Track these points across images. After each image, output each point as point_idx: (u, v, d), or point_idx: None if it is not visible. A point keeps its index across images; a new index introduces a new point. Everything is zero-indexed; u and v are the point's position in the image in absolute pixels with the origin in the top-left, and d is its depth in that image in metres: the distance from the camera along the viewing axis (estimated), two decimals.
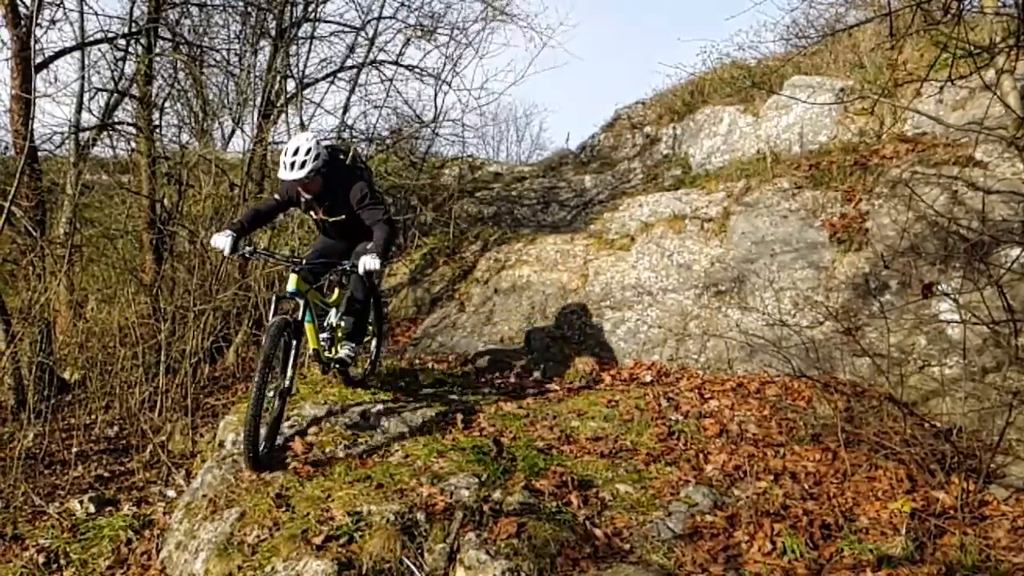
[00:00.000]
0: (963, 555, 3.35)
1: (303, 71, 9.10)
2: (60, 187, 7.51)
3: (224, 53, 9.18)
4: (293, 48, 8.87)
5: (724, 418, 4.98)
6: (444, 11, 14.14)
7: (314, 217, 4.94)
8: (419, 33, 9.62)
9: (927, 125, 6.52)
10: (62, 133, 7.50)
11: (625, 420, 5.06)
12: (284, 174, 4.49)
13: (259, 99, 8.22)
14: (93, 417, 5.77)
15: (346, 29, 9.45)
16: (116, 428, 5.73)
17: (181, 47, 8.42)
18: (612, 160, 10.32)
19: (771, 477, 4.15)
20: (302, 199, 4.75)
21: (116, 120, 8.14)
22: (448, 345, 7.10)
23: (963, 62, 4.55)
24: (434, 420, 4.89)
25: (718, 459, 4.42)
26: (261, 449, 4.14)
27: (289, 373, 4.33)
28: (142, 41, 7.56)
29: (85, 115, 7.51)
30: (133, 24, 7.61)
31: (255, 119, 8.14)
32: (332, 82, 9.59)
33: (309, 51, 9.30)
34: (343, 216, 4.76)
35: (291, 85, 8.92)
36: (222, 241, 4.47)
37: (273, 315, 4.40)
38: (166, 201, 7.48)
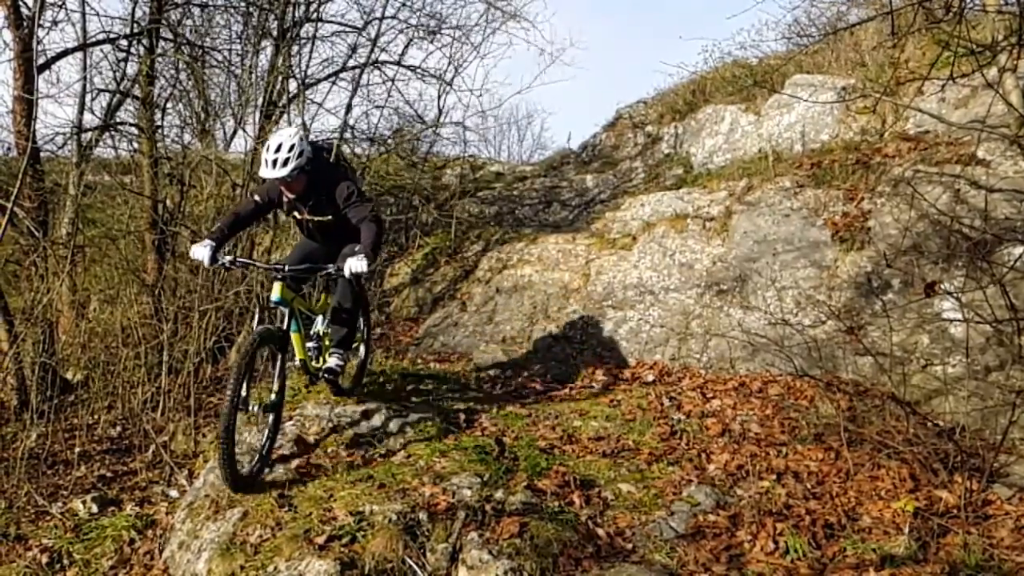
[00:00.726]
0: (966, 554, 3.34)
1: (305, 71, 9.10)
2: (62, 188, 7.52)
3: (226, 53, 9.19)
4: (295, 48, 8.87)
5: (726, 417, 4.98)
6: (447, 12, 14.11)
7: (297, 218, 4.69)
8: (421, 34, 9.61)
9: (929, 123, 6.51)
10: (64, 134, 7.52)
11: (627, 420, 5.06)
12: (266, 172, 4.24)
13: (261, 99, 8.22)
14: (96, 417, 5.78)
15: (348, 29, 9.46)
16: (119, 428, 5.73)
17: (183, 47, 8.42)
18: (614, 159, 10.32)
19: (774, 476, 4.15)
20: (284, 199, 4.51)
21: (118, 121, 8.14)
22: (450, 345, 7.10)
23: (965, 60, 4.54)
24: (436, 420, 4.89)
25: (720, 458, 4.41)
26: (253, 465, 4.05)
27: (275, 387, 4.18)
28: (144, 42, 7.56)
29: (87, 116, 7.50)
30: (135, 25, 7.61)
31: (257, 119, 8.13)
32: (334, 82, 9.58)
33: (311, 51, 9.31)
34: (328, 217, 4.54)
35: (293, 85, 8.93)
36: (201, 252, 4.23)
37: (257, 324, 4.29)
38: (168, 202, 7.48)
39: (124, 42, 7.84)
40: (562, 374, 6.12)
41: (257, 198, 4.59)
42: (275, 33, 8.56)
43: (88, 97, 7.48)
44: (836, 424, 4.31)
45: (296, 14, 8.78)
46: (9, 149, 7.94)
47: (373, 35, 9.21)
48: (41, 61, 6.74)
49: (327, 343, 4.79)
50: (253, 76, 8.48)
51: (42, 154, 7.08)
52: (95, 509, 4.51)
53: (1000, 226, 5.22)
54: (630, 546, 3.63)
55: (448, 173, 11.07)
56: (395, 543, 3.47)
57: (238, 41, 9.15)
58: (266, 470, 4.17)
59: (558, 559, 3.43)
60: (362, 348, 5.30)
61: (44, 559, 4.03)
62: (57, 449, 5.35)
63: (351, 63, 9.49)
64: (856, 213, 6.03)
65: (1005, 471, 4.04)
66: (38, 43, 6.49)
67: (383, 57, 9.48)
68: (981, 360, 4.84)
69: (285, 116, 8.77)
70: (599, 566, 3.41)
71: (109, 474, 5.09)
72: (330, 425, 4.67)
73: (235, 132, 10.74)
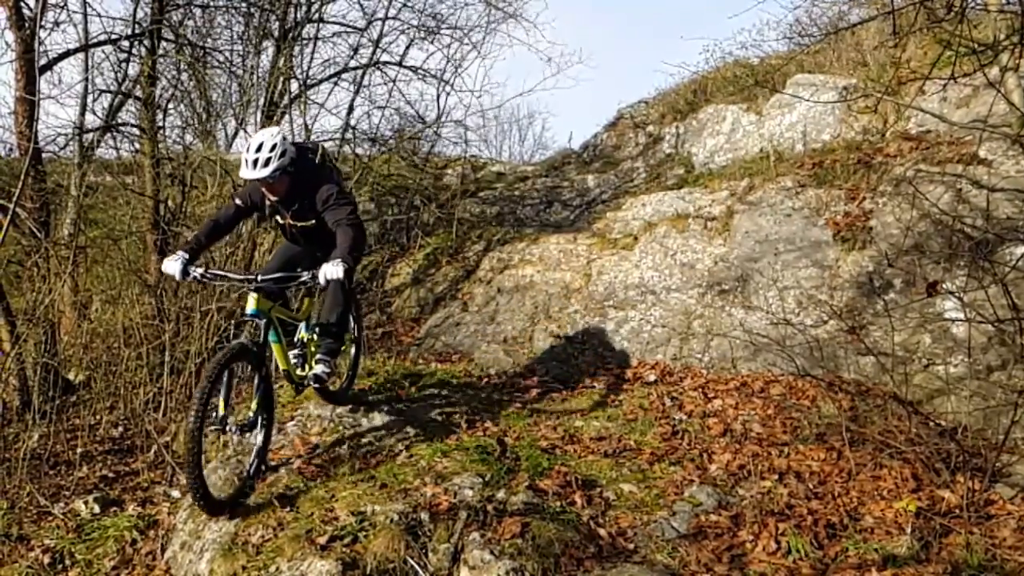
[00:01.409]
0: (969, 554, 3.34)
1: (307, 72, 9.12)
2: (64, 188, 7.53)
3: (227, 54, 9.22)
4: (296, 49, 8.89)
5: (728, 417, 4.98)
6: (448, 12, 14.09)
7: (280, 222, 4.47)
8: (422, 34, 9.62)
9: (931, 123, 6.50)
10: (66, 135, 7.52)
11: (629, 420, 5.06)
12: (246, 172, 4.00)
13: (262, 100, 8.24)
14: (98, 418, 5.78)
15: (350, 30, 9.47)
16: (120, 429, 5.74)
17: (184, 48, 8.42)
18: (615, 159, 10.31)
19: (775, 476, 4.14)
20: (266, 202, 4.26)
21: (120, 121, 8.15)
22: (451, 345, 7.10)
23: (967, 60, 4.53)
24: (438, 420, 4.89)
25: (722, 458, 4.41)
26: (236, 488, 3.91)
27: (253, 405, 3.99)
28: (145, 42, 7.57)
29: (89, 116, 7.53)
30: (136, 26, 7.61)
31: (258, 120, 8.15)
32: (336, 83, 9.60)
33: (313, 52, 9.33)
34: (312, 222, 4.29)
35: (294, 86, 8.95)
36: (171, 267, 4.02)
37: (233, 338, 4.03)
38: (170, 202, 7.49)
39: (126, 43, 7.85)
40: (563, 374, 6.12)
41: (238, 201, 4.36)
42: (276, 34, 8.58)
43: (90, 98, 7.51)
44: (838, 424, 4.31)
45: (297, 15, 8.80)
46: (11, 150, 7.98)
47: (375, 36, 9.23)
48: (43, 62, 6.75)
49: (313, 349, 4.57)
50: (254, 77, 8.50)
51: (44, 155, 7.08)
52: (97, 509, 4.51)
53: (1002, 225, 5.22)
54: (632, 546, 3.63)
55: (449, 173, 11.07)
56: (397, 543, 3.47)
57: (239, 42, 9.18)
58: (250, 494, 3.96)
59: (560, 559, 3.43)
60: (353, 349, 5.11)
61: (46, 559, 4.03)
62: (59, 449, 5.35)
63: (352, 64, 9.51)
64: (858, 213, 6.03)
65: (1007, 471, 4.04)
66: (40, 44, 6.49)
67: (384, 58, 9.51)
68: (983, 360, 4.83)
69: (287, 116, 8.79)
70: (601, 566, 3.41)
71: (111, 474, 5.10)
72: (332, 425, 4.67)
73: (236, 133, 10.77)
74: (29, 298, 6.20)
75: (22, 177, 5.85)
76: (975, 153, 5.73)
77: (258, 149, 3.97)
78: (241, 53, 9.19)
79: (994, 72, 4.84)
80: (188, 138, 8.83)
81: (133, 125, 8.07)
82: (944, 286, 4.96)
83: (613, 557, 3.52)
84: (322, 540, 3.52)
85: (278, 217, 4.40)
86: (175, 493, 4.73)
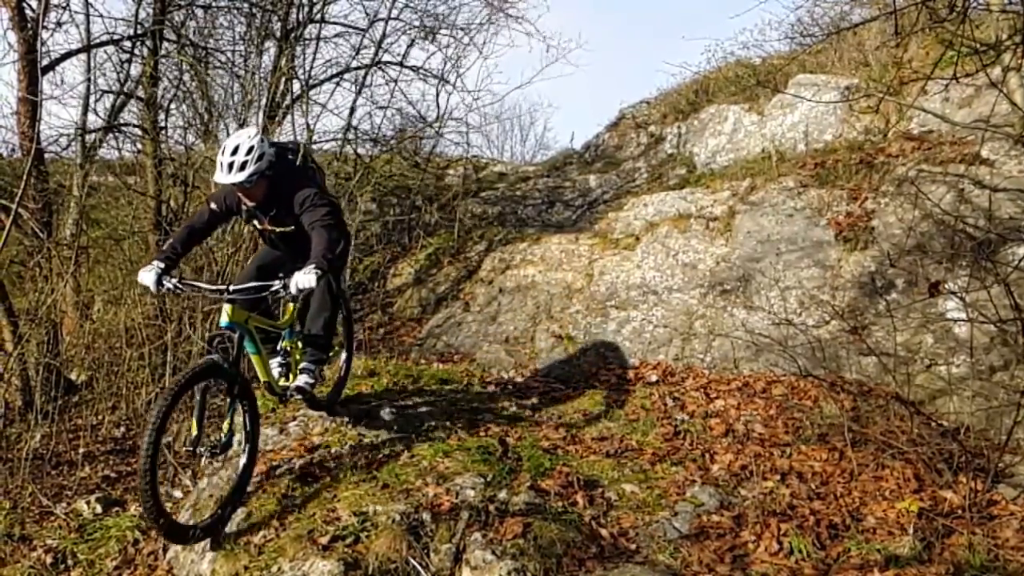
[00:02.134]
0: (971, 555, 3.34)
1: (308, 72, 9.12)
2: (66, 189, 7.54)
3: (229, 54, 9.19)
4: (298, 49, 8.89)
5: (730, 418, 4.97)
6: (448, 13, 14.10)
7: (258, 228, 4.17)
8: (423, 34, 9.62)
9: (933, 123, 6.49)
10: (68, 135, 7.54)
11: (631, 420, 5.06)
12: (221, 176, 3.75)
13: (264, 100, 8.24)
14: (100, 418, 5.80)
15: (352, 30, 9.47)
16: (123, 429, 5.75)
17: (186, 48, 8.44)
18: (616, 159, 10.31)
19: (777, 477, 4.14)
20: (243, 207, 3.99)
21: (122, 122, 8.16)
22: (453, 345, 7.10)
23: (969, 59, 4.52)
24: (439, 420, 4.89)
25: (724, 459, 4.41)
26: (224, 510, 3.68)
27: (225, 426, 3.72)
28: (147, 43, 7.58)
29: (91, 117, 7.54)
30: (139, 26, 7.62)
31: (260, 120, 8.15)
32: (338, 83, 9.60)
33: (315, 52, 9.32)
34: (291, 228, 4.01)
35: (296, 86, 8.95)
36: (146, 278, 3.77)
37: (207, 353, 3.68)
38: (172, 202, 7.50)
39: (128, 43, 7.86)
40: (565, 374, 6.12)
41: (214, 205, 4.06)
42: (278, 34, 8.58)
43: (92, 98, 7.52)
44: (840, 424, 4.30)
45: (299, 15, 8.80)
46: (13, 150, 7.98)
47: (377, 36, 9.24)
48: (45, 63, 6.77)
49: (298, 358, 4.33)
50: (256, 77, 8.50)
51: (46, 155, 7.10)
52: (99, 509, 4.52)
53: (1004, 225, 5.21)
54: (634, 546, 3.63)
55: (451, 174, 11.08)
56: (399, 543, 3.47)
57: (241, 42, 9.16)
58: (228, 523, 3.74)
59: (562, 559, 3.43)
60: (343, 355, 4.87)
61: (48, 559, 4.04)
62: (61, 450, 5.36)
63: (354, 64, 9.51)
64: (860, 213, 6.03)
65: (1010, 471, 4.03)
66: (42, 45, 6.51)
67: (386, 58, 9.51)
68: (985, 360, 4.82)
69: (288, 117, 8.79)
70: (603, 566, 3.41)
71: (113, 474, 5.11)
72: (333, 426, 4.67)
73: None
74: (31, 298, 6.21)
75: (24, 177, 5.86)
76: (977, 153, 5.72)
77: (234, 152, 3.73)
78: (243, 53, 9.18)
79: (996, 72, 4.84)
80: (190, 138, 8.81)
81: (135, 125, 8.08)
82: (946, 286, 4.96)
83: (615, 557, 3.52)
84: (324, 540, 3.52)
85: (256, 222, 4.12)
86: (177, 493, 4.73)
